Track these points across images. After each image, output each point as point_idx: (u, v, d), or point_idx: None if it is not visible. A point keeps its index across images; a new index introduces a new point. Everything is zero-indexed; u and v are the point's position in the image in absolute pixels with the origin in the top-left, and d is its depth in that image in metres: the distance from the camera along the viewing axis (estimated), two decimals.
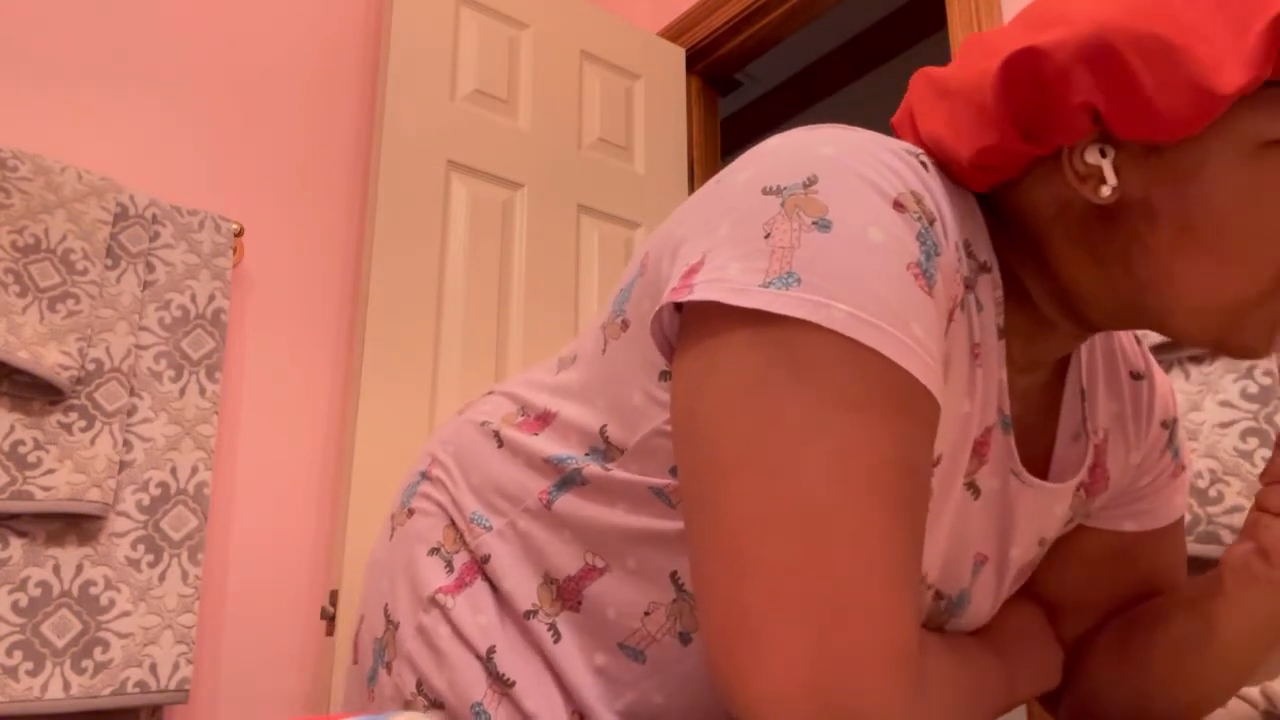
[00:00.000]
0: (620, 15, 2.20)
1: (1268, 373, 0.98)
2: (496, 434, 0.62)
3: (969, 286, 0.52)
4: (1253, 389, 0.99)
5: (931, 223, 0.48)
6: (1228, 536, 0.96)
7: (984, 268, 0.54)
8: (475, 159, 1.69)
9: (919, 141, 0.56)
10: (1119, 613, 0.68)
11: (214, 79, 1.62)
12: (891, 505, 0.43)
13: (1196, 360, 1.04)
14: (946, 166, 0.55)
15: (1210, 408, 1.01)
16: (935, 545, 0.55)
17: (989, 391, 0.54)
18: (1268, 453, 0.96)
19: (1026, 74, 0.49)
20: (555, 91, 1.83)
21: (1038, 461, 0.63)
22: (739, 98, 3.32)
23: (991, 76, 0.50)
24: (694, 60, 2.13)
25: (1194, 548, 0.98)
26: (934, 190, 0.50)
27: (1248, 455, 0.97)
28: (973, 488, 0.56)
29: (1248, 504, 0.95)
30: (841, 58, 3.07)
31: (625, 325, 0.54)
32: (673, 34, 2.14)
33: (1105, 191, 0.49)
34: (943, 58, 3.01)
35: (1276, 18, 0.44)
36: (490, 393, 0.69)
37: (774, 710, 0.40)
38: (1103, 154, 0.50)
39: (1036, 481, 0.59)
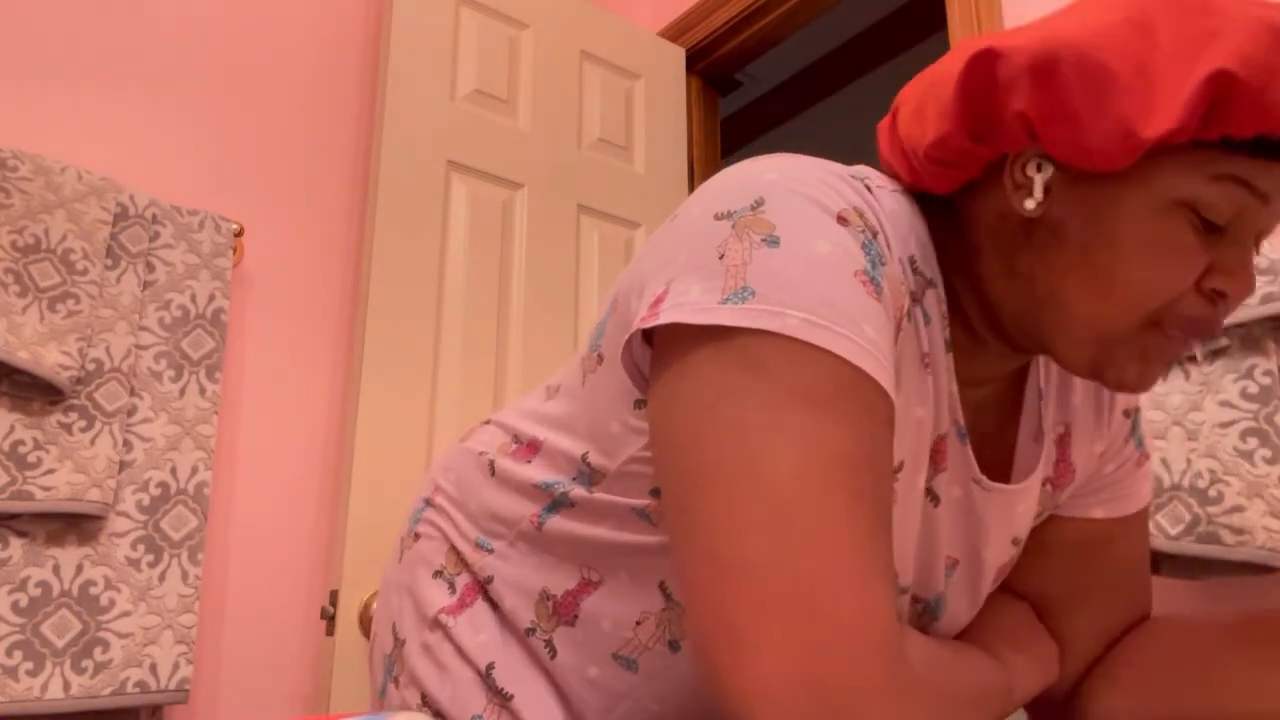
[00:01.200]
0: (620, 15, 2.20)
1: (1268, 373, 0.98)
2: (491, 464, 0.65)
3: (915, 300, 0.55)
4: (1253, 389, 0.99)
5: (875, 235, 0.51)
6: (1228, 536, 0.96)
7: (930, 283, 0.56)
8: (475, 159, 1.69)
9: (895, 139, 0.59)
10: (1095, 602, 0.69)
11: (214, 79, 1.62)
12: (856, 496, 0.44)
13: (1196, 360, 1.04)
14: (912, 163, 0.57)
15: (1210, 408, 1.01)
16: (907, 549, 0.57)
17: (941, 400, 0.57)
18: (1268, 453, 0.96)
19: (982, 73, 0.51)
20: (555, 91, 1.83)
21: (1002, 465, 0.65)
22: (739, 98, 3.32)
23: (960, 64, 0.52)
24: (694, 60, 2.13)
25: (1194, 547, 0.98)
26: (876, 208, 0.53)
27: (1248, 455, 0.97)
28: (931, 495, 0.58)
29: (1248, 504, 0.95)
30: (841, 58, 3.07)
31: (601, 359, 0.57)
32: (673, 34, 2.14)
33: (1029, 205, 0.52)
34: None
35: (1209, 76, 0.46)
36: (487, 422, 0.72)
37: (763, 706, 0.41)
38: (1039, 169, 0.52)
39: (998, 486, 0.61)
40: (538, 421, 0.63)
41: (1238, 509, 0.96)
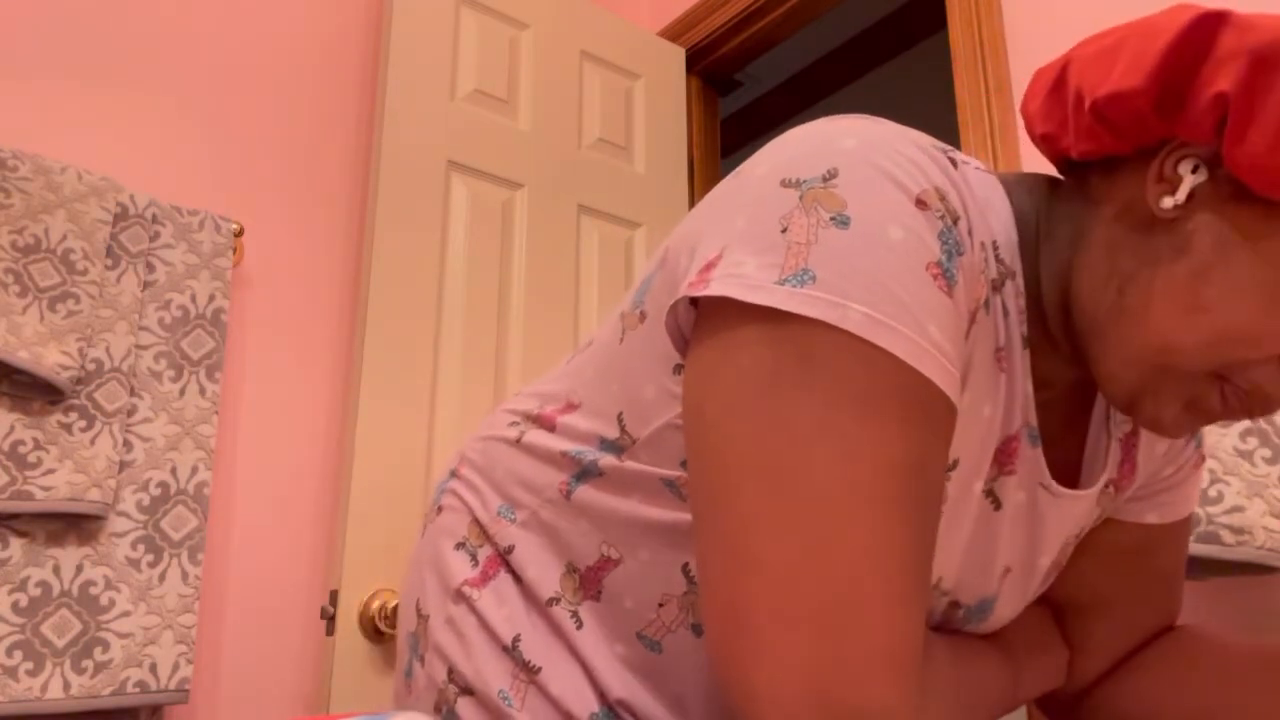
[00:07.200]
0: (620, 15, 2.20)
1: None
2: (520, 431, 0.63)
3: (995, 289, 0.51)
4: None
5: (955, 221, 0.46)
6: (1228, 536, 0.96)
7: (1010, 273, 0.53)
8: (475, 159, 1.69)
9: (1059, 88, 0.53)
10: (1125, 608, 0.68)
11: (214, 79, 1.62)
12: (899, 510, 0.42)
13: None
14: (1068, 113, 0.51)
15: None
16: (954, 551, 0.54)
17: (1013, 399, 0.53)
18: (1268, 453, 0.96)
19: (1204, 37, 0.46)
20: (555, 91, 1.83)
21: (1067, 468, 0.62)
22: (739, 98, 3.32)
23: (1182, 21, 0.46)
24: (694, 60, 2.13)
25: (1194, 547, 0.98)
26: (961, 187, 0.48)
27: (1248, 455, 0.97)
28: (992, 496, 0.55)
29: (1248, 504, 0.95)
30: (841, 58, 3.07)
31: (643, 317, 0.54)
32: (673, 34, 2.14)
33: (1167, 203, 0.47)
34: (943, 58, 3.01)
35: None
36: (519, 393, 0.69)
37: (773, 710, 0.40)
38: (1194, 170, 0.48)
39: (1067, 492, 0.58)
40: (569, 378, 0.61)
41: (1238, 509, 0.96)
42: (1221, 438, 0.99)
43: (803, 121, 3.36)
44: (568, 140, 1.83)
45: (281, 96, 1.69)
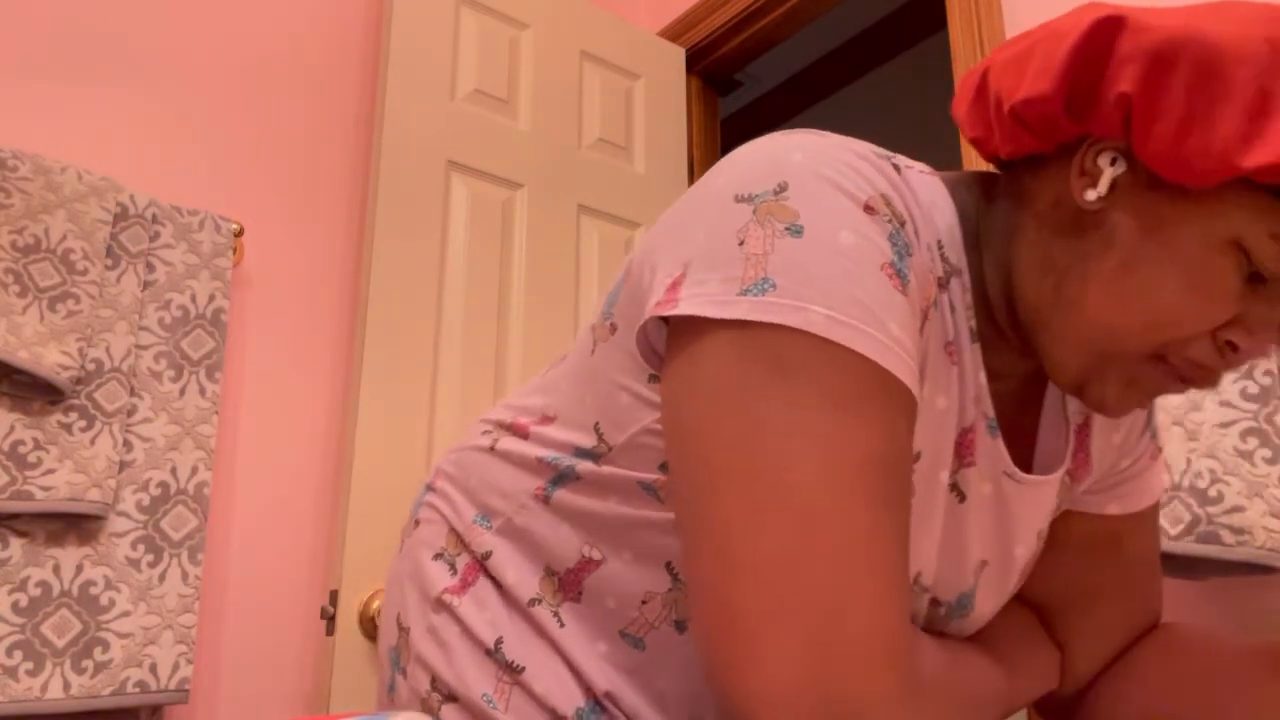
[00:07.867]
0: (620, 15, 2.20)
1: (1268, 372, 0.98)
2: (493, 439, 0.64)
3: (942, 286, 0.53)
4: (1253, 389, 0.98)
5: (902, 224, 0.49)
6: (1228, 536, 0.96)
7: (955, 271, 0.55)
8: (475, 159, 1.69)
9: (982, 92, 0.56)
10: (1104, 603, 0.69)
11: (214, 79, 1.62)
12: (877, 501, 0.43)
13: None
14: (989, 117, 0.54)
15: (1210, 408, 1.01)
16: (928, 547, 0.55)
17: (966, 392, 0.55)
18: (1268, 453, 0.96)
19: (1102, 41, 0.48)
20: (555, 91, 1.83)
21: (1021, 455, 0.64)
22: (739, 98, 3.32)
23: (1083, 26, 0.49)
24: (694, 60, 2.13)
25: (1194, 548, 0.98)
26: (904, 192, 0.51)
27: (1248, 455, 0.97)
28: (956, 490, 0.56)
29: (1248, 504, 0.95)
30: (841, 58, 3.07)
31: (613, 329, 0.55)
32: (673, 34, 2.14)
33: (1090, 195, 0.50)
34: (943, 58, 3.01)
35: None
36: (495, 407, 0.70)
37: (769, 707, 0.41)
38: (1114, 163, 0.50)
39: (1031, 478, 0.59)
40: (543, 393, 0.62)
41: (1238, 509, 0.96)
42: (1222, 438, 0.99)
43: (803, 122, 3.37)
44: (568, 140, 1.83)
45: (281, 96, 1.69)
